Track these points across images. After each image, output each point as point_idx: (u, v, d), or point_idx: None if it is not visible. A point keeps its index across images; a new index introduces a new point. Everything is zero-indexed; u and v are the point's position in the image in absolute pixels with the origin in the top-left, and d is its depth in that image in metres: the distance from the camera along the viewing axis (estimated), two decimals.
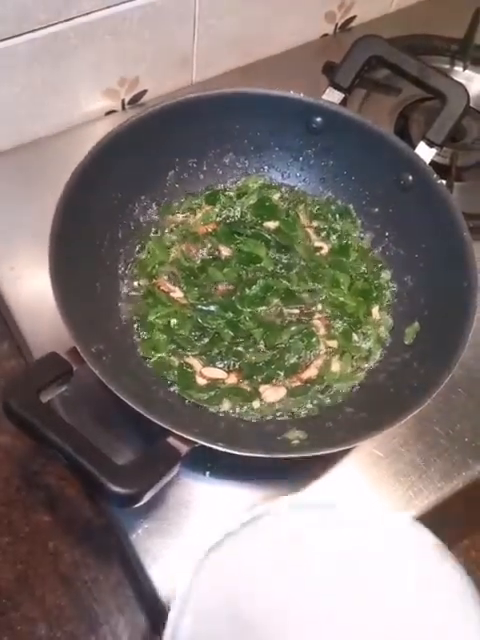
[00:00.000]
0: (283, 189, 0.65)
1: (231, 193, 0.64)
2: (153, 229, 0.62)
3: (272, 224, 0.63)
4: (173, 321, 0.58)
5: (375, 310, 0.60)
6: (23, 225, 0.63)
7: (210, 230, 0.63)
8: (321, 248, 0.63)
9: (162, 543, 0.51)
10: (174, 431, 0.44)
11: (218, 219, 0.63)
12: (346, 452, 0.55)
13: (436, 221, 0.56)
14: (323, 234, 0.64)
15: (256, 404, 0.55)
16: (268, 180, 0.65)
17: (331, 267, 0.62)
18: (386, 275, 0.61)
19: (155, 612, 0.51)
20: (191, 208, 0.64)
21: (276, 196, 0.65)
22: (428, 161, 0.58)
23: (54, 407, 0.54)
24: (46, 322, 0.55)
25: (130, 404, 0.45)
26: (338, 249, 0.63)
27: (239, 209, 0.64)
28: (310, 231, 0.64)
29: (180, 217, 0.63)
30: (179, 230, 0.63)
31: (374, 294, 0.60)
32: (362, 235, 0.63)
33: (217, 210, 0.64)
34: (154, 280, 0.60)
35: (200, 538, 0.50)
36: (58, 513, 0.55)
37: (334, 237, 0.63)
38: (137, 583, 0.53)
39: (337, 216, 0.64)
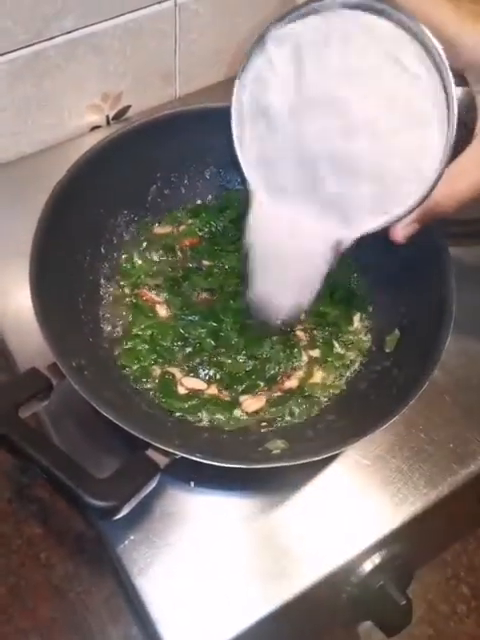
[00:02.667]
0: None
1: (213, 207, 0.65)
2: (136, 241, 0.63)
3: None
4: (155, 331, 0.58)
5: (356, 318, 0.61)
6: (9, 240, 0.64)
7: (193, 243, 0.64)
8: None
9: (149, 554, 0.51)
10: (152, 443, 0.45)
11: (200, 233, 0.64)
12: (332, 460, 0.55)
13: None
14: None
15: (237, 413, 0.55)
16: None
17: None
18: (366, 284, 0.62)
19: (146, 623, 0.52)
20: (174, 221, 0.64)
21: None
22: None
23: (41, 419, 0.55)
24: (32, 336, 0.56)
25: (109, 417, 0.45)
26: None
27: (222, 223, 0.64)
28: None
29: (163, 230, 0.64)
30: (162, 242, 0.63)
31: (355, 303, 0.61)
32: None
33: (200, 224, 0.64)
34: (137, 290, 0.61)
35: (186, 548, 0.51)
36: (50, 525, 0.56)
37: None
38: (129, 594, 0.53)
39: None
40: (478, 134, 0.45)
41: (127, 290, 0.61)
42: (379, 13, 0.42)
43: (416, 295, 0.56)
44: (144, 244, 0.63)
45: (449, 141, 0.42)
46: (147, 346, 0.58)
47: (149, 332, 0.58)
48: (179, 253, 0.63)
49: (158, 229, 0.64)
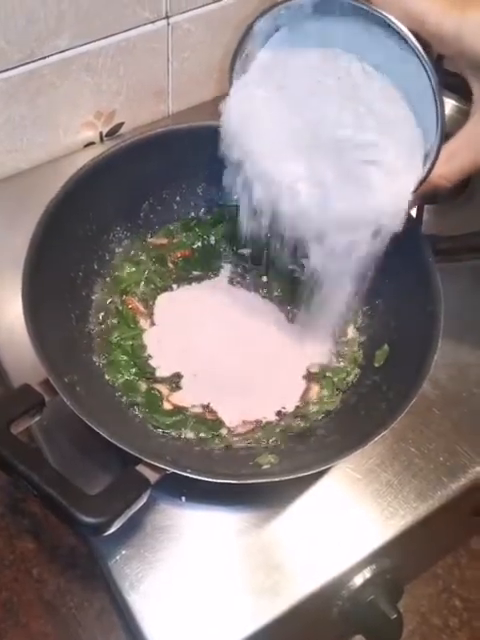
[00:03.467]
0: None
1: (207, 221, 0.66)
2: (128, 252, 0.63)
3: (245, 251, 0.65)
4: (135, 343, 0.59)
5: (350, 329, 0.61)
6: (3, 255, 0.64)
7: (184, 256, 0.64)
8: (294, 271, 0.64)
9: (140, 569, 0.51)
10: (143, 458, 0.45)
11: (194, 246, 0.65)
12: (323, 474, 0.55)
13: (402, 246, 0.57)
14: None
15: (223, 432, 0.56)
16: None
17: None
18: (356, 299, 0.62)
19: (138, 638, 0.52)
20: (168, 234, 0.65)
21: None
22: None
23: (33, 435, 0.56)
24: (25, 352, 0.56)
25: (100, 433, 0.46)
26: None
27: (214, 237, 0.65)
28: None
29: (158, 241, 0.65)
30: (155, 253, 0.64)
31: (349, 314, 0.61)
32: None
33: (193, 237, 0.65)
34: (125, 297, 0.61)
35: (178, 563, 0.52)
36: (42, 540, 0.56)
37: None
38: (121, 609, 0.53)
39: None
40: (473, 114, 0.47)
41: (117, 299, 0.61)
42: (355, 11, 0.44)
43: (404, 311, 0.57)
44: (135, 254, 0.64)
45: (438, 128, 0.45)
46: (126, 358, 0.58)
47: (130, 343, 0.59)
48: (170, 264, 0.64)
49: (151, 240, 0.65)
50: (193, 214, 0.66)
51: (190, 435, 0.55)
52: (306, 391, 0.59)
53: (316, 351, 0.60)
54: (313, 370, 0.60)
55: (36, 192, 0.68)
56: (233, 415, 0.57)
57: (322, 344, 0.60)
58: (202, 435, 0.55)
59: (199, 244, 0.65)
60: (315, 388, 0.59)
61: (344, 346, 0.60)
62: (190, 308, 0.63)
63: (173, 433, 0.55)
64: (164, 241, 0.65)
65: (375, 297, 0.61)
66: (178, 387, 0.58)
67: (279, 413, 0.57)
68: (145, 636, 0.49)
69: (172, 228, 0.65)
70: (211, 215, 0.66)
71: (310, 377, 0.59)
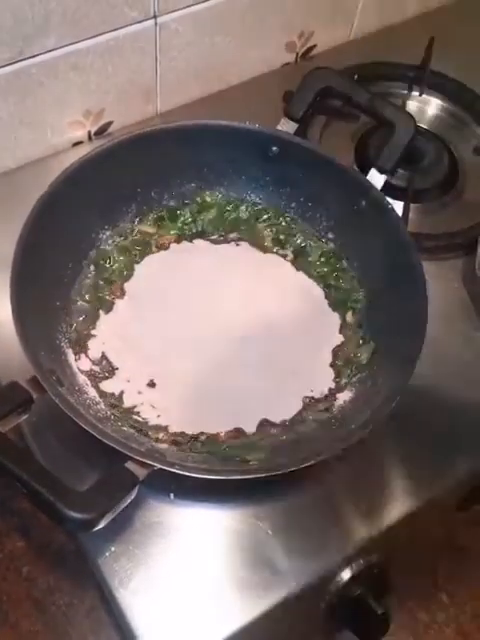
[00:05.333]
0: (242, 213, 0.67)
1: (193, 208, 0.66)
2: (117, 249, 0.63)
3: (233, 235, 0.66)
4: None
5: (349, 314, 0.62)
6: None
7: (170, 242, 0.65)
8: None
9: (129, 566, 0.51)
10: (131, 455, 0.45)
11: (180, 233, 0.65)
12: (309, 470, 0.55)
13: (388, 245, 0.58)
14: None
15: (202, 438, 0.55)
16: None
17: None
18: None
19: (127, 635, 0.52)
20: (156, 220, 0.66)
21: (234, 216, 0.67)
22: (380, 187, 0.60)
23: (21, 432, 0.55)
24: (12, 350, 0.56)
25: (88, 430, 0.46)
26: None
27: (200, 224, 0.66)
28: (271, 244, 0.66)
29: (144, 228, 0.65)
30: (141, 239, 0.64)
31: (347, 301, 0.62)
32: (321, 259, 0.65)
33: (179, 225, 0.66)
34: (111, 286, 0.61)
35: (167, 560, 0.52)
36: (31, 538, 0.55)
37: (290, 252, 0.66)
38: (110, 606, 0.53)
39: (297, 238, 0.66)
40: None
41: (102, 294, 0.61)
42: None
43: (390, 309, 0.58)
44: (123, 251, 0.64)
45: None
46: None
47: None
48: (155, 248, 0.64)
49: (139, 227, 0.65)
50: (180, 212, 0.66)
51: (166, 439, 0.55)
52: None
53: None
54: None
55: (24, 191, 0.67)
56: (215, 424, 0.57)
57: None
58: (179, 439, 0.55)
59: (187, 229, 0.66)
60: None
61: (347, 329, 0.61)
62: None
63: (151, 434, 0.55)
64: (151, 230, 0.65)
65: (361, 293, 0.62)
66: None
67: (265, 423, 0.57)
68: (135, 633, 0.49)
69: (160, 224, 0.66)
70: (198, 203, 0.66)
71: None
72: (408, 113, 0.61)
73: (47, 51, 0.64)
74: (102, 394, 0.56)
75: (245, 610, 0.50)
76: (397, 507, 0.55)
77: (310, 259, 0.65)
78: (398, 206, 0.64)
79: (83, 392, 0.54)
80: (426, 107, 0.79)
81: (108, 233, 0.63)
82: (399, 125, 0.60)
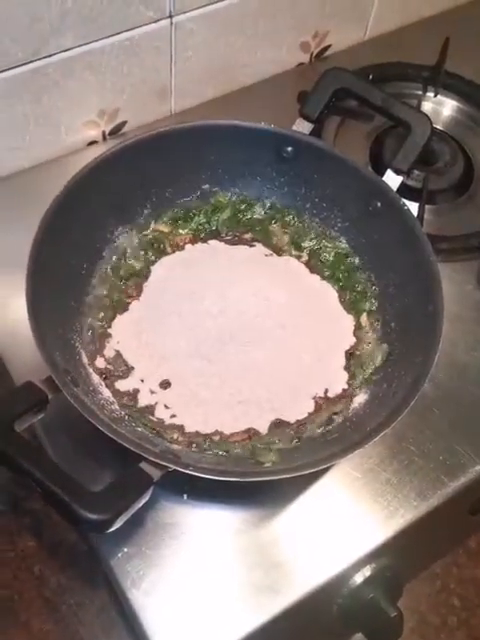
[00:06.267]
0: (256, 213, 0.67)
1: (207, 209, 0.66)
2: (132, 249, 0.63)
3: (248, 235, 0.66)
4: None
5: (363, 317, 0.62)
6: (6, 254, 0.64)
7: (185, 242, 0.65)
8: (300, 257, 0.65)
9: (142, 566, 0.51)
10: (146, 456, 0.45)
11: (194, 233, 0.66)
12: (323, 473, 0.56)
13: (403, 246, 0.57)
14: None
15: (216, 437, 0.55)
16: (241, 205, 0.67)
17: None
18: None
19: (139, 635, 0.52)
20: (170, 222, 0.66)
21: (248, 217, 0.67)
22: (395, 188, 0.60)
23: (36, 432, 0.56)
24: (28, 350, 0.57)
25: (103, 430, 0.46)
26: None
27: (214, 224, 0.66)
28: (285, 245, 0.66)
29: (159, 227, 0.65)
30: (156, 239, 0.64)
31: (361, 302, 0.62)
32: (335, 261, 0.65)
33: (194, 225, 0.66)
34: (123, 284, 0.61)
35: (179, 561, 0.52)
36: (43, 538, 0.56)
37: (305, 253, 0.66)
38: (122, 607, 0.53)
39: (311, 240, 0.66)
40: None
41: (117, 294, 0.61)
42: None
43: (405, 310, 0.57)
44: (137, 251, 0.64)
45: None
46: None
47: None
48: (169, 248, 0.64)
49: (154, 226, 0.65)
50: (195, 212, 0.66)
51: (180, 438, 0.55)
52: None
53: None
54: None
55: (38, 191, 0.67)
56: (228, 424, 0.56)
57: None
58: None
59: (200, 228, 0.66)
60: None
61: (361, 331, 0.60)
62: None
63: (165, 434, 0.55)
64: (166, 230, 0.65)
65: (375, 295, 0.61)
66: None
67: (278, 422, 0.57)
68: (146, 633, 0.49)
69: (175, 224, 0.66)
70: (212, 204, 0.66)
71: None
72: (424, 114, 0.61)
73: (63, 50, 0.64)
74: (116, 394, 0.56)
75: (257, 612, 0.50)
76: (410, 511, 0.55)
77: (324, 260, 0.65)
78: (412, 207, 0.64)
79: (97, 392, 0.54)
80: (441, 108, 0.79)
81: (123, 233, 0.63)
82: (415, 126, 0.60)
